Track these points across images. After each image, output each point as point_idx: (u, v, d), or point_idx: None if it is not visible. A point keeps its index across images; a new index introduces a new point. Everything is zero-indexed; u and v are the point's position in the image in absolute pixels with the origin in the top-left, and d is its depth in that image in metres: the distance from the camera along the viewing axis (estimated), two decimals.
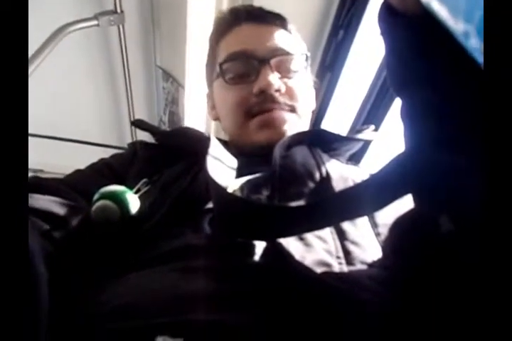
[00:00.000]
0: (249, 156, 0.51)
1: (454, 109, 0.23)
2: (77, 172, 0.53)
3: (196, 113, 1.59)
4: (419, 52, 0.24)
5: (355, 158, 0.87)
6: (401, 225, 0.31)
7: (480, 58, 0.14)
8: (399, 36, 0.25)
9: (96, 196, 0.41)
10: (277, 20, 0.58)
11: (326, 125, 1.19)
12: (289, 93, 0.53)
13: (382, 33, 0.27)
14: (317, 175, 0.45)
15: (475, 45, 0.14)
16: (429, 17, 0.17)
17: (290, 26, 0.60)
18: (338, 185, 0.44)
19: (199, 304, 0.28)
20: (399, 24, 0.25)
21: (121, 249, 0.38)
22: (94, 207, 0.40)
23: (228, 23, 0.59)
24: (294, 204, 0.40)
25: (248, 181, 0.45)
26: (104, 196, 0.41)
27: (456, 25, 0.15)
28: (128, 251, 0.37)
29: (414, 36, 0.24)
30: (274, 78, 0.51)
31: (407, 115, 0.27)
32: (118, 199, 0.40)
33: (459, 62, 0.18)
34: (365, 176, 0.48)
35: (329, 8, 1.06)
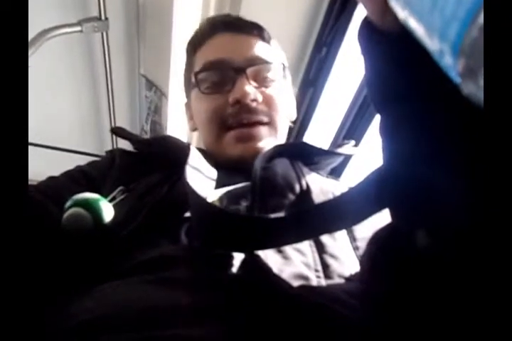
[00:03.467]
0: (226, 168, 0.51)
1: (433, 124, 0.23)
2: (51, 178, 0.51)
3: (179, 123, 1.58)
4: (399, 69, 0.24)
5: (335, 172, 0.88)
6: (378, 239, 0.31)
7: (455, 77, 0.15)
8: (378, 53, 0.26)
9: (68, 203, 0.39)
10: (254, 29, 0.58)
11: (308, 139, 1.21)
12: (267, 102, 0.53)
13: (362, 50, 0.27)
14: (297, 188, 0.45)
15: (449, 63, 0.14)
16: (407, 34, 0.18)
17: (268, 36, 0.60)
18: (318, 198, 0.44)
19: (172, 318, 0.27)
20: (378, 41, 0.25)
21: (93, 259, 0.36)
22: (65, 215, 0.38)
23: (205, 32, 0.59)
24: (273, 216, 0.40)
25: (228, 192, 0.44)
26: (76, 203, 0.39)
27: (431, 43, 0.15)
28: (100, 261, 0.36)
29: (393, 53, 0.24)
30: (250, 88, 0.51)
31: (386, 131, 0.27)
32: (91, 207, 0.39)
33: (437, 79, 0.18)
34: (345, 190, 0.48)
35: (313, 26, 1.09)
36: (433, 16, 0.14)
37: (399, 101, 0.25)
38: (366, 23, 0.26)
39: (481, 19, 0.12)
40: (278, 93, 0.55)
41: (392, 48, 0.24)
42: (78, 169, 0.53)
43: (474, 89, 0.14)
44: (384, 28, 0.25)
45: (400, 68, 0.24)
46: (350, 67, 1.07)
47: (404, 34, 0.18)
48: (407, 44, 0.19)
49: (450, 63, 0.14)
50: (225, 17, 0.62)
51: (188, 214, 0.40)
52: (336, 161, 0.56)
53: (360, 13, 0.25)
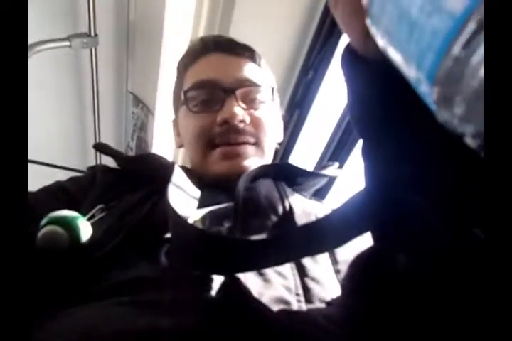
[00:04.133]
0: (210, 187, 0.50)
1: (415, 149, 0.24)
2: (29, 194, 0.50)
3: (165, 140, 1.58)
4: (379, 95, 0.25)
5: (320, 195, 0.88)
6: (359, 263, 0.30)
7: (431, 104, 0.15)
8: (360, 78, 0.26)
9: (44, 221, 0.38)
10: (246, 51, 0.59)
11: (293, 160, 1.21)
12: (254, 123, 0.54)
13: (344, 75, 0.28)
14: (280, 209, 0.44)
15: (425, 90, 0.15)
16: (388, 61, 0.18)
17: (259, 59, 0.61)
18: (300, 219, 0.44)
19: None
20: (360, 67, 0.26)
21: (68, 280, 0.35)
22: (41, 233, 0.37)
23: (197, 51, 0.59)
24: (255, 237, 0.40)
25: (210, 212, 0.43)
26: (52, 221, 0.38)
27: (409, 70, 0.16)
28: (75, 281, 0.34)
29: (374, 79, 0.25)
30: (238, 109, 0.52)
31: (368, 154, 0.27)
32: (68, 226, 0.38)
33: (417, 105, 0.18)
34: (328, 212, 0.48)
35: (300, 50, 1.11)
36: (410, 46, 0.15)
37: (380, 126, 0.25)
38: (349, 50, 0.27)
39: (455, 50, 0.13)
40: (266, 115, 0.56)
41: (373, 74, 0.24)
42: (58, 185, 0.52)
43: (449, 116, 0.14)
44: (365, 54, 0.25)
45: (381, 94, 0.25)
46: (335, 90, 1.10)
47: (385, 61, 0.19)
48: (388, 70, 0.20)
49: (426, 91, 0.15)
50: (218, 37, 0.63)
51: (168, 235, 0.39)
52: (320, 183, 0.57)
53: (346, 38, 0.26)
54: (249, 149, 0.53)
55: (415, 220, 0.24)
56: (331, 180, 0.58)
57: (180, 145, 0.63)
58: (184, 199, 0.43)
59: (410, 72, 0.16)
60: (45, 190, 0.51)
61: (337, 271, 0.40)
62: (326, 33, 1.03)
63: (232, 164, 0.52)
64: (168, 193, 0.38)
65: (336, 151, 1.02)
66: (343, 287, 0.37)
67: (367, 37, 0.23)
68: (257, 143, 0.54)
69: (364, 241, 0.30)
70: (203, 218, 0.42)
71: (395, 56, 0.17)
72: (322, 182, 0.57)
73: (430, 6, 0.14)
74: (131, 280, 0.33)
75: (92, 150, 1.81)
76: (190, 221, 0.34)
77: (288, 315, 0.32)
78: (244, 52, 0.59)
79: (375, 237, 0.29)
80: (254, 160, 0.53)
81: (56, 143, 1.85)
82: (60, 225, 0.37)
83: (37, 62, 1.28)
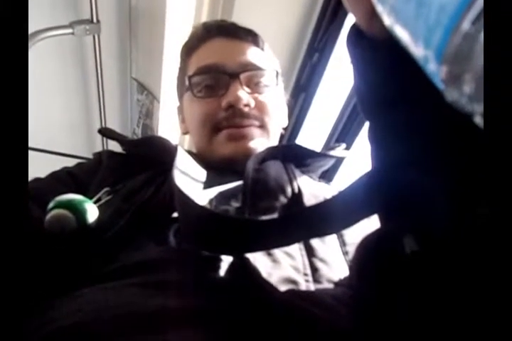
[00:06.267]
0: (216, 169, 0.50)
1: (420, 130, 0.23)
2: (37, 180, 0.51)
3: (170, 126, 1.58)
4: (386, 76, 0.24)
5: (327, 177, 0.88)
6: (366, 245, 0.31)
7: (439, 83, 0.15)
8: (366, 59, 0.26)
9: (51, 204, 0.38)
10: (249, 36, 0.59)
11: (300, 143, 1.21)
12: (259, 107, 0.54)
13: (351, 56, 0.27)
14: (289, 191, 0.45)
15: (433, 69, 0.15)
16: (395, 40, 0.18)
17: (262, 42, 0.60)
18: (309, 201, 0.44)
19: (157, 322, 0.27)
20: (366, 47, 0.25)
21: (77, 262, 0.35)
22: (48, 216, 0.38)
23: (200, 37, 0.59)
24: (263, 218, 0.40)
25: (218, 192, 0.44)
26: (59, 204, 0.38)
27: (416, 49, 0.15)
28: (84, 263, 0.35)
29: (380, 59, 0.24)
30: (243, 93, 0.52)
31: (375, 136, 0.27)
32: (75, 209, 0.38)
33: (424, 85, 0.18)
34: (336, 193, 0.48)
35: (305, 32, 1.09)
36: (417, 23, 0.15)
37: (386, 107, 0.25)
38: (355, 30, 0.26)
39: (464, 26, 0.12)
40: (270, 99, 0.56)
41: (380, 54, 0.24)
42: (65, 170, 0.53)
43: (457, 95, 0.14)
44: (372, 34, 0.25)
45: (388, 74, 0.24)
46: (341, 72, 1.08)
47: (392, 40, 0.18)
48: (395, 50, 0.20)
49: (434, 70, 0.14)
50: (220, 22, 0.62)
51: (175, 215, 0.40)
52: (328, 164, 0.57)
53: (351, 19, 0.25)
54: (255, 131, 0.53)
55: (422, 201, 0.24)
56: (338, 161, 0.58)
57: (185, 132, 0.63)
58: (189, 180, 0.44)
59: (418, 50, 0.15)
60: (53, 176, 0.52)
61: (345, 253, 0.40)
62: (331, 14, 1.01)
63: (238, 145, 0.52)
64: (173, 174, 0.38)
65: (342, 135, 1.01)
66: (351, 268, 0.37)
67: (373, 16, 0.22)
68: (262, 126, 0.54)
69: (372, 224, 0.30)
70: (210, 198, 0.42)
71: (402, 34, 0.16)
72: (330, 163, 0.57)
73: None
74: (140, 262, 0.34)
75: (99, 139, 1.82)
76: (198, 201, 0.34)
77: (296, 295, 0.32)
78: (248, 36, 0.59)
79: (381, 219, 0.29)
80: (260, 141, 0.53)
81: (63, 132, 1.85)
82: (67, 208, 0.38)
83: (40, 51, 1.28)
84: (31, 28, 1.23)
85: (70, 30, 1.29)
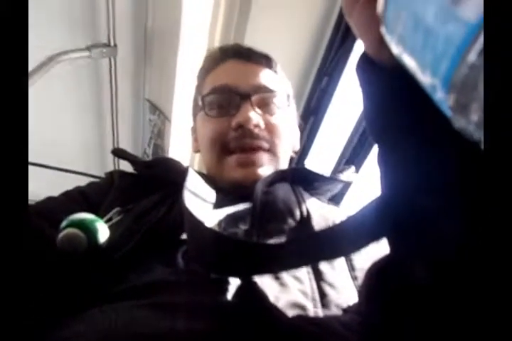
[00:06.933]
0: (225, 191, 0.51)
1: (430, 156, 0.23)
2: (49, 199, 0.51)
3: (181, 147, 1.60)
4: (393, 101, 0.25)
5: (335, 199, 0.88)
6: (375, 271, 0.30)
7: (446, 111, 0.15)
8: (374, 85, 0.26)
9: (63, 223, 0.39)
10: (263, 59, 0.60)
11: (308, 167, 1.21)
12: (269, 129, 0.54)
13: (360, 82, 0.28)
14: (297, 213, 0.44)
15: (441, 97, 0.15)
16: (402, 68, 0.18)
17: (275, 65, 0.62)
18: (318, 224, 0.44)
19: None
20: (375, 74, 0.26)
21: (87, 281, 0.35)
22: (60, 235, 0.38)
23: (215, 59, 0.61)
24: (272, 241, 0.40)
25: (226, 215, 0.44)
26: (71, 224, 0.38)
27: (424, 77, 0.16)
28: (94, 283, 0.35)
29: (388, 85, 0.25)
30: (253, 114, 0.52)
31: (384, 161, 0.27)
32: (86, 228, 0.38)
33: (432, 111, 0.18)
34: (345, 218, 0.48)
35: (315, 56, 1.12)
36: (425, 53, 0.15)
37: (395, 131, 0.25)
38: (364, 57, 0.27)
39: (470, 57, 0.13)
40: (281, 121, 0.56)
41: (388, 80, 0.25)
42: (77, 190, 0.53)
43: (465, 123, 0.14)
44: (380, 61, 0.25)
45: (396, 100, 0.25)
46: (350, 96, 1.10)
47: (400, 68, 0.19)
48: (403, 77, 0.20)
49: (442, 97, 0.15)
50: (236, 46, 0.64)
51: (184, 236, 0.40)
52: (336, 188, 0.56)
53: (360, 45, 0.26)
54: (264, 156, 0.53)
55: (431, 227, 0.24)
56: (347, 185, 0.58)
57: (197, 150, 0.64)
58: (199, 201, 0.44)
59: (425, 78, 0.16)
60: (66, 195, 0.52)
61: (354, 278, 0.40)
62: (341, 39, 1.03)
63: (247, 172, 0.52)
64: (183, 196, 0.38)
65: (351, 158, 1.01)
66: (360, 294, 0.37)
67: (382, 44, 0.23)
68: (271, 150, 0.54)
69: (381, 249, 0.30)
70: (219, 220, 0.43)
71: (410, 63, 0.17)
72: (338, 187, 0.56)
73: (445, 14, 0.14)
74: (149, 283, 0.34)
75: (111, 158, 1.84)
76: (207, 223, 0.34)
77: (305, 320, 0.32)
78: (261, 59, 0.60)
79: (391, 244, 0.29)
80: (268, 168, 0.53)
81: (76, 151, 1.89)
82: (79, 228, 0.38)
83: (57, 73, 1.32)
84: (50, 50, 1.27)
85: (87, 53, 1.34)
